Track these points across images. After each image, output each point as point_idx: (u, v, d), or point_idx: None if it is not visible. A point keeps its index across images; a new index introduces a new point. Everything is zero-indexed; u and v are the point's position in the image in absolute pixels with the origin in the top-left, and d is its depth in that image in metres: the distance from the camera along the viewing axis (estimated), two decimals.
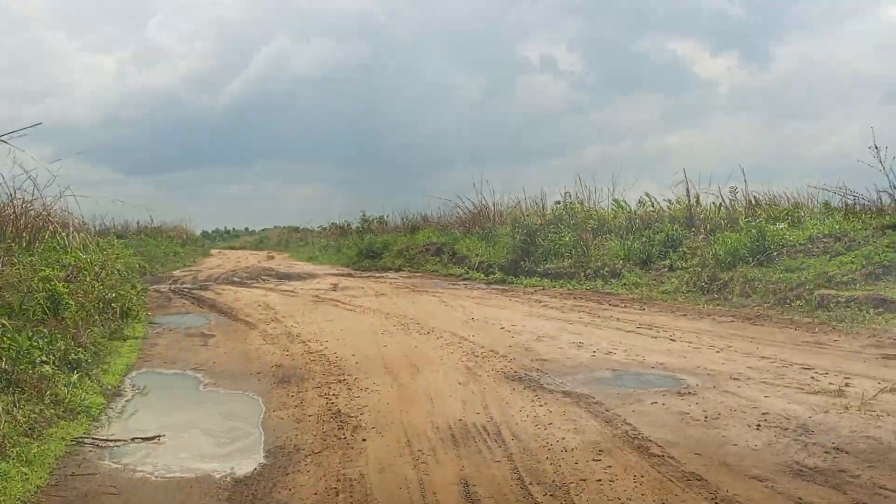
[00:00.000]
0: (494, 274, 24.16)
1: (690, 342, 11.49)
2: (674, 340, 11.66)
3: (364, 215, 43.30)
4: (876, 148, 16.30)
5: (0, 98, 76.68)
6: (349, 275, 29.73)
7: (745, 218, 21.39)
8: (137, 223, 46.34)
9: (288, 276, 29.06)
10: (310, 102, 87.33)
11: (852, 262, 15.47)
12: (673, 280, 18.56)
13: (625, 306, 16.35)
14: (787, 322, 13.39)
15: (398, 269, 31.06)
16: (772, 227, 18.51)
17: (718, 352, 10.71)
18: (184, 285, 25.72)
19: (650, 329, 12.91)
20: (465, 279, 25.27)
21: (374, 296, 19.73)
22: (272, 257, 48.99)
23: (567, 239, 22.63)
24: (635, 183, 24.24)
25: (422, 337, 12.69)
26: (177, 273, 32.83)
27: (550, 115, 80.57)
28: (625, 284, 19.36)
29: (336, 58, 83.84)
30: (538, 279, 22.24)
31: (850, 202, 20.38)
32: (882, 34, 67.81)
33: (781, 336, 12.10)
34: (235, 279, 28.29)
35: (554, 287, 20.91)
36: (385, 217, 43.16)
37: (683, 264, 19.62)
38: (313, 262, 40.22)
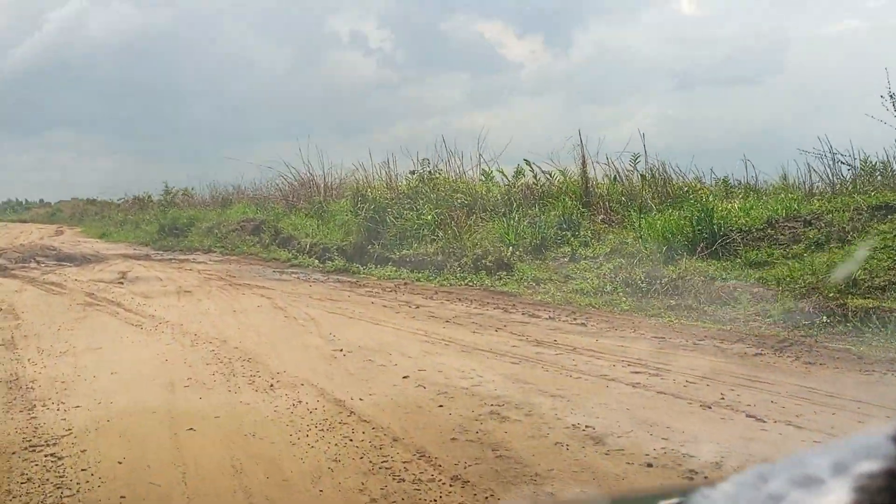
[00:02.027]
0: (333, 260, 17.81)
1: (790, 422, 5.65)
2: (763, 421, 5.76)
3: (167, 186, 35.62)
4: (892, 98, 11.04)
5: None
6: (146, 257, 22.63)
7: (647, 194, 16.11)
8: None
9: (70, 258, 21.73)
10: (108, 70, 77.94)
11: (876, 260, 10.19)
12: (589, 276, 12.83)
13: (550, 318, 10.47)
14: (854, 358, 7.80)
15: (207, 251, 24.14)
16: (721, 205, 13.19)
17: None
18: None
19: (686, 384, 6.99)
20: (294, 266, 18.79)
21: (175, 294, 13.07)
22: (61, 232, 40.74)
23: (429, 218, 16.58)
24: (503, 152, 17.74)
25: (261, 400, 6.27)
26: None
27: (359, 91, 74.56)
28: (520, 280, 13.49)
29: (137, 23, 74.93)
30: (394, 269, 16.09)
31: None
32: (676, 26, 66.22)
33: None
34: (0, 262, 20.81)
35: (419, 281, 14.78)
36: (191, 189, 35.66)
37: (587, 252, 14.04)
38: (106, 240, 32.55)
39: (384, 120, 73.89)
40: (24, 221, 59.31)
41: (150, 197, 37.53)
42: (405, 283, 14.64)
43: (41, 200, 76.62)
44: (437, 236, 15.96)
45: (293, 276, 16.68)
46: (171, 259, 21.85)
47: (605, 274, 12.58)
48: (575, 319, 10.26)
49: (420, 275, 15.20)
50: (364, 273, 16.46)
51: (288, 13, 78.00)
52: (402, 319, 10.31)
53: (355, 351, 8.06)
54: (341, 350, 8.12)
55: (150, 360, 7.86)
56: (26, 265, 19.79)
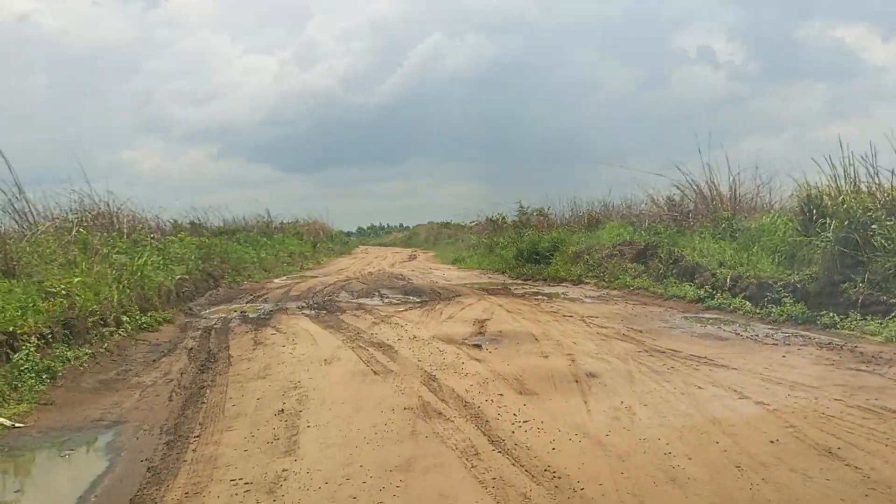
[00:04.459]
0: (780, 304, 11.08)
1: None
2: None
3: (521, 206, 30.15)
4: None
5: (170, 100, 70.87)
6: (505, 290, 17.04)
7: None
8: (263, 218, 35.21)
9: (417, 292, 16.83)
10: (462, 99, 75.81)
11: None
12: None
13: None
14: None
15: (577, 282, 18.19)
16: None
17: None
18: (254, 305, 15.13)
19: None
20: (711, 309, 12.33)
21: (572, 383, 6.93)
22: (414, 256, 37.13)
23: None
24: None
25: None
26: (277, 281, 21.37)
27: (707, 106, 65.96)
28: None
29: (489, 53, 72.20)
30: None
31: None
32: None
33: None
34: (341, 295, 16.49)
35: None
36: (547, 209, 29.95)
37: None
38: (459, 266, 27.84)
39: (731, 135, 64.93)
40: (385, 245, 57.94)
41: (503, 218, 32.51)
42: None
43: (400, 225, 76.42)
44: None
45: (728, 329, 10.21)
46: (535, 294, 16.14)
47: None
48: None
49: None
50: (849, 328, 9.63)
51: (634, 33, 71.71)
52: None
53: None
54: None
55: None
56: (366, 302, 15.06)
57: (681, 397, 6.25)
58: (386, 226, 79.54)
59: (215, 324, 12.43)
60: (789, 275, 11.85)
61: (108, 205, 17.90)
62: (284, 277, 22.90)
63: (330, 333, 10.68)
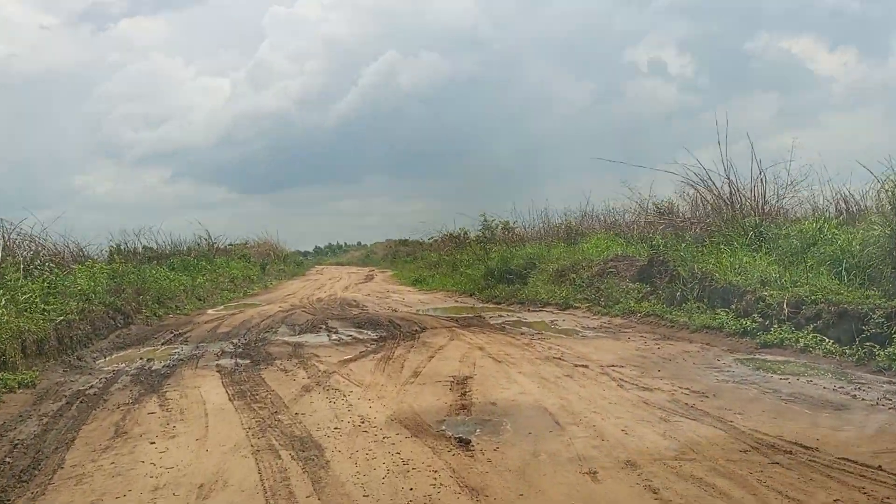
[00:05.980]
0: (892, 343, 7.40)
1: None
2: None
3: (485, 219, 26.01)
4: None
5: (122, 124, 66.31)
6: (479, 321, 13.13)
7: None
8: (204, 239, 30.72)
9: (372, 324, 13.13)
10: (418, 116, 71.95)
11: None
12: None
13: None
14: None
15: (565, 306, 14.40)
16: None
17: None
18: (169, 348, 11.22)
19: None
20: (770, 346, 8.65)
21: None
22: (371, 277, 33.19)
23: None
24: None
25: None
26: (211, 312, 17.42)
27: (660, 119, 63.07)
28: None
29: (444, 71, 68.46)
30: None
31: None
32: None
33: None
34: (279, 331, 12.71)
35: None
36: (512, 223, 25.84)
37: None
38: (420, 287, 23.88)
39: (686, 147, 61.94)
40: (342, 264, 53.87)
41: (465, 233, 28.57)
42: None
43: (358, 243, 72.28)
44: None
45: (827, 385, 6.54)
46: (517, 324, 12.40)
47: None
48: None
49: None
50: None
51: (587, 48, 68.51)
52: None
53: None
54: None
55: None
56: (307, 341, 11.30)
57: None
58: (343, 244, 75.29)
59: (93, 386, 8.41)
60: (888, 301, 8.14)
61: None
62: (221, 307, 18.81)
63: (235, 410, 6.70)
